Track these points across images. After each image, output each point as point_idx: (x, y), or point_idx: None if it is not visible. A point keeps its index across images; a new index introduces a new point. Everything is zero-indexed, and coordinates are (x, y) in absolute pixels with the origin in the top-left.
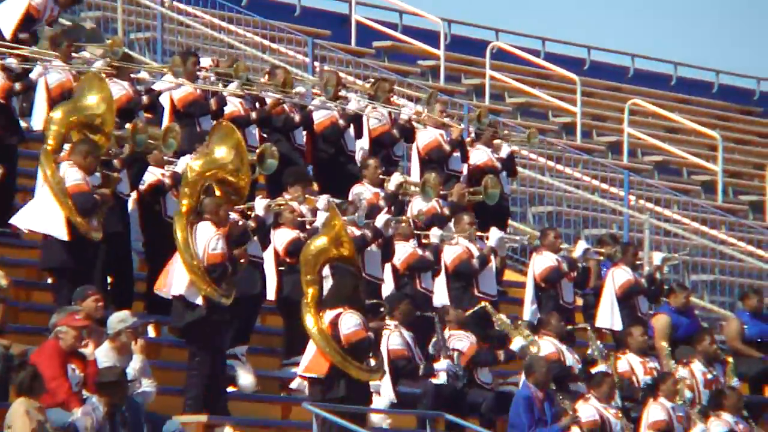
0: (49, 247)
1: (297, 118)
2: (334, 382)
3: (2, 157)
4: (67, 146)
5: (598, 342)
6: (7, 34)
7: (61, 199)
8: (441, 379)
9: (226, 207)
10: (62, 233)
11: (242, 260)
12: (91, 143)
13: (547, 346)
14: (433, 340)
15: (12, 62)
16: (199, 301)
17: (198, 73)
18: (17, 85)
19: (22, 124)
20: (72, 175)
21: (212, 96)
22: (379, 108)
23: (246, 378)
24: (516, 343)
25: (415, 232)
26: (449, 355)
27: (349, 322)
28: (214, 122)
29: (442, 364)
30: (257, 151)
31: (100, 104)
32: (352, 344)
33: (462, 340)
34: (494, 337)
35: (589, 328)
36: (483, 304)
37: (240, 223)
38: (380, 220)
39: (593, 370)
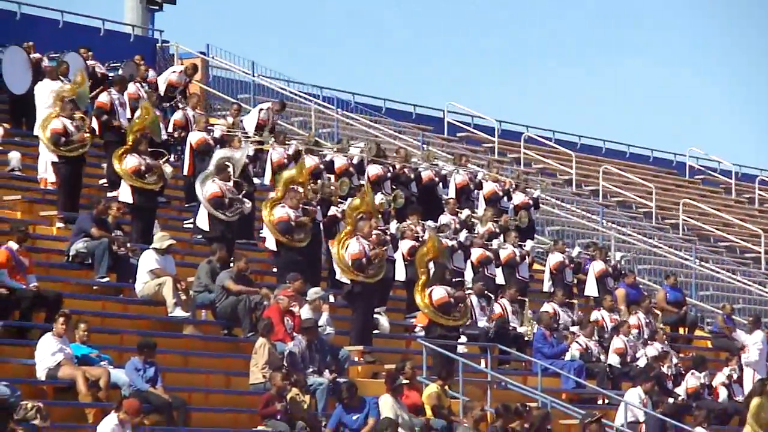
0: (277, 252)
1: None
2: (432, 328)
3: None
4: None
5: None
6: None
7: (270, 228)
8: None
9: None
10: (272, 245)
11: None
12: (297, 192)
13: (549, 308)
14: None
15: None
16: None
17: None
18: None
19: (256, 180)
20: (277, 212)
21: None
22: (461, 170)
23: (384, 324)
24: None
25: (484, 242)
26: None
27: (437, 293)
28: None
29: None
30: (392, 194)
31: (301, 173)
32: (439, 305)
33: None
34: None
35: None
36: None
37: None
38: (462, 236)
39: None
